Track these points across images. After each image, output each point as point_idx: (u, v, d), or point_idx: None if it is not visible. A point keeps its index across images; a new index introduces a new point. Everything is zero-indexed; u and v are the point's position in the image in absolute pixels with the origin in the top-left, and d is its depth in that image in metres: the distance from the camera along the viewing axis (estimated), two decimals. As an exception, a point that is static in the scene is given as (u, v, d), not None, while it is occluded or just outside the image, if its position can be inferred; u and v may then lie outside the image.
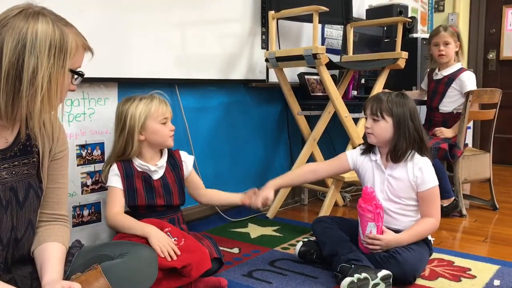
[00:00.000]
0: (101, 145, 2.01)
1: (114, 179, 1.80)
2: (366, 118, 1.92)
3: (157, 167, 1.84)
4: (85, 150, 1.95)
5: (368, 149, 1.96)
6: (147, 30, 2.12)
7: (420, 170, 1.84)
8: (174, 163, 1.90)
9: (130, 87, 2.08)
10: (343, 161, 2.02)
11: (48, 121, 1.26)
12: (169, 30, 2.23)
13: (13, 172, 1.23)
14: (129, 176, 1.81)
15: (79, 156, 1.94)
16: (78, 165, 1.94)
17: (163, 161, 1.87)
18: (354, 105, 2.89)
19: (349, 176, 2.36)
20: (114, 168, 1.81)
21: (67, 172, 1.40)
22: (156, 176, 1.84)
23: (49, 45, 1.12)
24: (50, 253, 1.31)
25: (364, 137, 1.98)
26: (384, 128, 1.85)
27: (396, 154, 1.85)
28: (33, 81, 1.11)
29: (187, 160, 1.95)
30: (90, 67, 1.89)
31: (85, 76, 1.89)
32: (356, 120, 2.52)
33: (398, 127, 1.84)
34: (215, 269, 1.77)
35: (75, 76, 1.23)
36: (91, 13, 1.89)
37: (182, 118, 2.37)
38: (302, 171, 2.15)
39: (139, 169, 1.82)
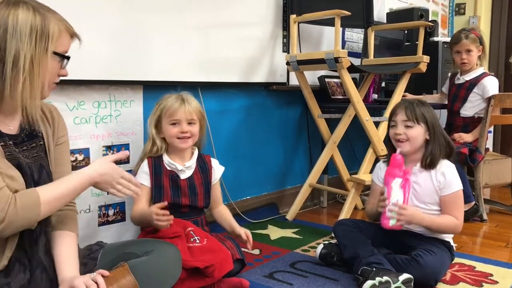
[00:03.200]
0: (126, 146, 2.05)
1: (142, 177, 1.84)
2: (394, 125, 1.91)
3: (184, 167, 1.87)
4: (111, 151, 2.00)
5: (393, 150, 1.96)
6: (171, 34, 2.16)
7: (443, 174, 1.86)
8: (204, 166, 1.93)
9: (154, 90, 2.12)
10: (376, 190, 1.99)
11: (46, 107, 1.38)
12: (192, 33, 2.26)
13: (26, 155, 1.30)
14: (157, 173, 1.85)
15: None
16: (104, 166, 1.97)
17: (191, 162, 1.90)
18: (375, 109, 2.89)
19: (369, 180, 2.36)
20: (144, 164, 1.86)
21: (69, 158, 1.47)
22: (183, 176, 1.88)
23: (30, 29, 1.19)
24: (64, 247, 1.37)
25: (387, 144, 1.99)
26: (419, 134, 1.87)
27: (432, 161, 1.87)
28: (16, 63, 1.18)
29: (217, 168, 1.98)
30: (116, 70, 1.96)
31: (112, 79, 1.96)
32: (376, 124, 2.52)
33: (432, 133, 1.87)
34: (237, 269, 1.79)
35: (64, 61, 1.29)
36: (115, 17, 1.93)
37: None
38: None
39: (167, 167, 1.86)
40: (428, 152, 1.88)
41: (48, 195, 1.25)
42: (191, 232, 1.78)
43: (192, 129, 1.84)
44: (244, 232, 1.83)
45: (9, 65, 1.18)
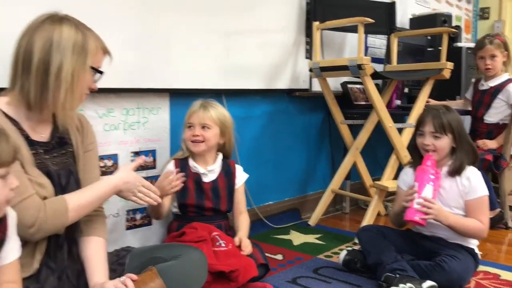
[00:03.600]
0: (153, 152, 2.10)
1: None
2: (421, 135, 1.92)
3: (207, 171, 1.92)
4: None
5: (415, 166, 1.97)
6: (195, 41, 2.20)
7: (468, 179, 1.87)
8: (228, 171, 1.98)
9: (180, 97, 2.17)
10: (403, 194, 1.98)
11: (76, 115, 1.47)
12: (216, 40, 2.30)
13: (54, 162, 1.38)
14: (183, 175, 1.90)
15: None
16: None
17: (214, 166, 1.96)
18: (398, 115, 2.89)
19: (393, 186, 2.37)
20: (170, 165, 1.94)
21: (98, 163, 1.55)
22: (206, 179, 1.93)
23: (73, 45, 1.30)
24: (94, 252, 1.42)
25: (412, 150, 2.01)
26: (446, 144, 1.89)
27: (458, 168, 1.89)
28: (59, 75, 1.28)
29: (240, 175, 2.04)
30: (144, 78, 2.01)
31: (139, 87, 2.01)
32: (399, 130, 2.52)
33: (459, 141, 1.89)
34: (262, 274, 1.82)
35: (96, 75, 1.38)
36: (140, 24, 1.97)
37: (228, 126, 2.44)
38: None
39: (192, 170, 1.92)
40: (455, 160, 1.90)
41: (75, 202, 1.32)
42: (216, 236, 1.82)
43: (205, 133, 1.91)
44: (238, 239, 1.87)
45: (52, 76, 1.27)
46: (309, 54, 2.79)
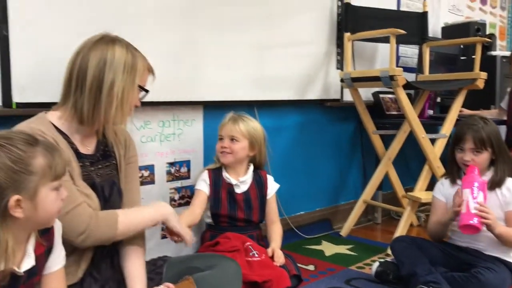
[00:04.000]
0: (187, 163, 2.15)
1: (201, 183, 1.98)
2: (461, 150, 1.91)
3: (239, 182, 1.96)
4: (174, 167, 2.10)
5: (453, 178, 1.97)
6: (227, 53, 2.24)
7: (509, 190, 1.86)
8: (259, 181, 2.01)
9: (214, 109, 2.22)
10: (442, 205, 1.99)
11: (119, 130, 1.54)
12: (248, 52, 2.34)
13: (99, 174, 1.44)
14: (217, 185, 1.97)
15: (168, 173, 2.09)
16: (167, 181, 2.09)
17: (246, 177, 1.99)
18: (430, 125, 2.87)
19: (426, 197, 2.35)
20: (204, 174, 2.00)
21: (138, 176, 1.62)
22: (238, 190, 1.97)
23: (124, 64, 1.37)
24: (134, 262, 1.47)
25: (449, 162, 2.00)
26: (486, 159, 1.89)
27: (499, 181, 1.88)
28: (111, 91, 1.35)
29: (271, 185, 2.07)
30: (178, 91, 2.06)
31: (176, 100, 2.07)
32: (432, 140, 2.51)
33: (498, 154, 1.88)
34: (294, 285, 1.83)
35: (141, 93, 1.46)
36: (174, 38, 2.02)
37: (260, 137, 2.47)
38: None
39: (225, 181, 1.96)
40: (496, 173, 1.89)
41: (125, 218, 1.39)
42: (249, 246, 1.85)
43: (233, 146, 1.95)
44: (271, 250, 1.89)
45: (105, 92, 1.35)
46: (340, 64, 2.80)
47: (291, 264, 1.85)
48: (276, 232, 2.03)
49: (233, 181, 1.97)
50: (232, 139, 1.95)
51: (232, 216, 1.95)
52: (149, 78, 1.49)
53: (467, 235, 1.84)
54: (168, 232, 1.57)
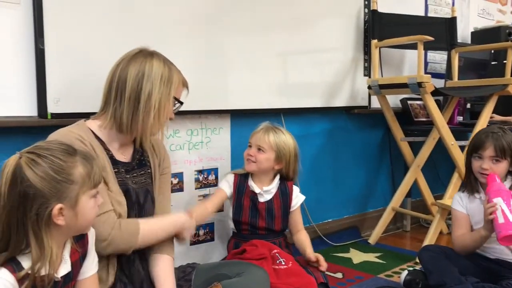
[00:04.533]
0: (215, 170, 2.19)
1: (224, 184, 2.00)
2: (479, 158, 1.88)
3: (262, 191, 1.97)
4: (202, 175, 2.14)
5: (471, 189, 1.93)
6: (254, 61, 2.27)
7: None
8: (284, 192, 2.01)
9: (241, 117, 2.24)
10: (464, 218, 1.95)
11: (155, 141, 1.60)
12: (275, 60, 2.36)
13: (134, 181, 1.50)
14: (240, 192, 1.97)
15: (196, 180, 2.12)
16: (195, 188, 2.12)
17: (270, 187, 1.98)
18: (460, 131, 2.83)
19: (455, 205, 2.32)
20: (230, 176, 2.01)
21: (170, 186, 1.67)
22: (261, 199, 1.97)
23: (161, 76, 1.44)
24: (163, 270, 1.51)
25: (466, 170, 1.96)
26: (504, 168, 1.85)
27: None
28: (148, 102, 1.42)
29: (297, 196, 2.04)
30: (206, 100, 2.10)
31: (204, 109, 2.11)
32: (462, 147, 2.47)
33: None
34: (321, 292, 1.83)
35: (176, 105, 1.52)
36: (201, 46, 2.07)
37: (287, 144, 2.48)
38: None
39: (250, 188, 1.98)
40: None
41: (146, 228, 1.43)
42: (276, 254, 1.84)
43: (258, 155, 1.94)
44: (314, 256, 1.89)
45: (143, 102, 1.41)
46: (367, 71, 2.80)
47: (318, 272, 1.85)
48: (305, 240, 2.03)
49: (256, 189, 1.97)
50: (259, 148, 1.95)
51: (253, 224, 1.95)
52: (184, 92, 1.56)
53: (498, 247, 1.80)
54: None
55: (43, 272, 1.05)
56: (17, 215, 1.04)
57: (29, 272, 1.05)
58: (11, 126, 1.59)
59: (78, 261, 1.20)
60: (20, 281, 1.04)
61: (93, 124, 1.47)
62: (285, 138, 1.98)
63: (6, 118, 1.58)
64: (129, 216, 1.45)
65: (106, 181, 1.39)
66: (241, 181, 2.00)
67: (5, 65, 1.58)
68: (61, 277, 1.12)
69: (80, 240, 1.21)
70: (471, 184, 1.93)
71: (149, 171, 1.56)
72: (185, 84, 1.56)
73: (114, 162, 1.46)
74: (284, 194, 2.01)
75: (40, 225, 1.05)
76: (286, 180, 2.03)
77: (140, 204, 1.50)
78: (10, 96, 1.60)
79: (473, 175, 1.92)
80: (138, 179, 1.52)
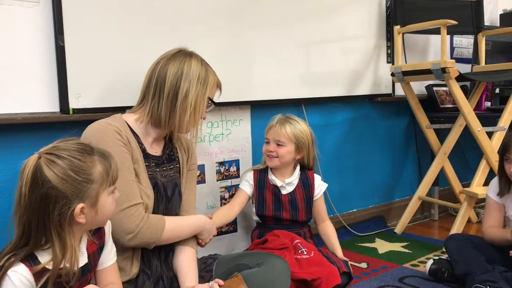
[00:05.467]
0: (236, 162, 2.19)
1: (244, 184, 2.00)
2: (508, 160, 1.83)
3: (284, 184, 1.96)
4: (223, 167, 2.15)
5: (501, 192, 1.89)
6: (275, 51, 2.25)
7: None
8: (306, 182, 2.01)
9: (261, 108, 2.24)
10: (498, 207, 1.92)
11: (183, 138, 1.66)
12: (295, 49, 2.34)
13: (164, 175, 1.55)
14: (261, 187, 1.97)
15: (218, 172, 2.13)
16: (217, 180, 2.13)
17: (291, 178, 1.98)
18: (488, 117, 2.75)
19: (483, 193, 2.26)
20: (249, 174, 2.02)
21: (196, 183, 1.72)
22: (284, 191, 1.97)
23: (198, 76, 1.50)
24: (186, 261, 1.54)
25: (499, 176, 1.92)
26: None
27: None
28: (185, 100, 1.47)
29: (319, 186, 2.04)
30: (226, 92, 2.09)
31: (224, 101, 2.11)
32: (490, 134, 2.41)
33: None
34: (344, 283, 1.82)
35: (209, 105, 1.57)
36: (222, 37, 2.07)
37: (309, 135, 2.46)
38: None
39: (270, 182, 1.97)
40: None
41: (171, 225, 1.47)
42: (298, 244, 1.85)
43: (279, 149, 1.93)
44: (345, 259, 1.89)
45: (180, 100, 1.47)
46: (390, 58, 2.75)
47: (340, 262, 1.84)
48: (331, 232, 2.03)
49: (278, 182, 1.96)
50: (278, 143, 1.93)
51: (278, 217, 1.95)
52: (217, 93, 1.63)
53: None
54: None
55: (63, 268, 1.08)
56: (38, 214, 1.07)
57: (48, 267, 1.08)
58: (35, 122, 1.62)
59: (95, 253, 1.23)
60: (36, 275, 1.07)
61: (129, 118, 1.52)
62: (301, 127, 1.97)
63: (30, 114, 1.62)
64: (157, 208, 1.50)
65: (138, 173, 1.44)
66: (261, 176, 2.00)
67: (27, 63, 1.62)
68: (78, 268, 1.15)
69: (97, 232, 1.24)
70: (501, 186, 1.89)
71: (177, 165, 1.61)
72: (219, 86, 1.61)
73: (146, 155, 1.51)
74: (306, 185, 2.01)
75: (63, 225, 1.08)
76: (306, 170, 2.03)
77: (168, 197, 1.54)
78: (33, 93, 1.64)
79: (505, 177, 1.87)
80: (167, 173, 1.57)
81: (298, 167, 2.02)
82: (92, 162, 1.12)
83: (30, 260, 1.08)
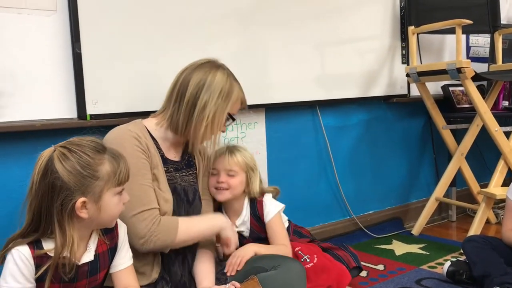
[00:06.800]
0: (251, 165, 2.20)
1: None
2: None
3: (236, 227, 1.75)
4: (238, 170, 2.15)
5: None
6: (289, 53, 2.26)
7: None
8: (255, 214, 1.77)
9: (275, 111, 2.25)
10: None
11: (201, 147, 1.65)
12: (309, 51, 2.34)
13: (184, 180, 1.56)
14: None
15: (233, 175, 2.14)
16: (232, 184, 2.14)
17: (242, 216, 1.76)
18: (506, 117, 2.72)
19: (501, 193, 2.24)
20: None
21: None
22: (246, 233, 1.78)
23: (220, 90, 1.49)
24: (203, 264, 1.56)
25: None
26: None
27: None
28: (203, 111, 1.47)
29: (267, 208, 1.76)
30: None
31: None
32: (507, 134, 2.38)
33: None
34: (355, 275, 1.81)
35: (229, 120, 1.56)
36: (236, 40, 2.08)
37: (324, 137, 2.47)
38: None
39: None
40: None
41: (185, 226, 1.46)
42: (299, 252, 1.77)
43: (230, 180, 1.69)
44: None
45: (197, 110, 1.47)
46: (405, 59, 2.73)
47: (348, 256, 1.81)
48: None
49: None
50: (229, 173, 1.69)
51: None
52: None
53: None
54: (216, 238, 1.64)
55: (64, 257, 1.13)
56: (46, 202, 1.13)
57: (49, 253, 1.13)
58: (54, 128, 1.65)
59: (105, 253, 1.26)
60: (37, 258, 1.13)
61: (149, 123, 1.54)
62: (249, 155, 1.77)
63: (48, 120, 1.66)
64: (178, 212, 1.51)
65: (157, 178, 1.45)
66: None
67: (45, 70, 1.66)
68: (85, 265, 1.19)
69: (109, 233, 1.27)
70: None
71: (195, 171, 1.63)
72: (243, 103, 1.60)
73: (164, 160, 1.52)
74: (258, 219, 1.77)
75: (64, 215, 1.13)
76: (255, 199, 1.77)
77: (189, 201, 1.56)
78: (51, 100, 1.68)
79: None
80: (186, 178, 1.58)
81: (246, 200, 1.77)
82: (100, 159, 1.16)
83: (34, 244, 1.14)
